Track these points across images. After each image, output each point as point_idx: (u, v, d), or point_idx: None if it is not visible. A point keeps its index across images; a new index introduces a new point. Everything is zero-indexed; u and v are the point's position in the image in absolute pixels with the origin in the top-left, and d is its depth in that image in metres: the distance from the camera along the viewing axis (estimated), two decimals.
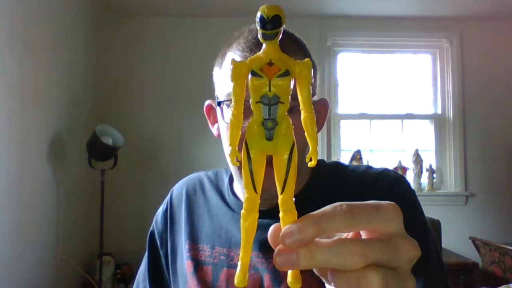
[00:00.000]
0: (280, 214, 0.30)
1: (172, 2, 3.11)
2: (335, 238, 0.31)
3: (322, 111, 0.74)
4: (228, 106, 0.68)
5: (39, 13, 2.31)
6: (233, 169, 0.73)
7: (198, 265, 0.76)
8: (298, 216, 0.30)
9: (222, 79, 0.70)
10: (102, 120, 2.87)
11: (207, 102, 0.78)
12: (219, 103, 0.69)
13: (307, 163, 0.30)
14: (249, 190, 0.30)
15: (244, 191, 0.30)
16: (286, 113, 0.30)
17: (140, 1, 3.11)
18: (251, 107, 0.30)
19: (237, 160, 0.30)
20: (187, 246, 0.78)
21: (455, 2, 3.13)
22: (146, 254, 0.87)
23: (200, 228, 0.79)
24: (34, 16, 2.25)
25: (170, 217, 0.84)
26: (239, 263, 0.30)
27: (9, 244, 1.98)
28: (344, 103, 3.46)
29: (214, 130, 0.77)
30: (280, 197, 0.30)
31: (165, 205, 0.87)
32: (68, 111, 2.69)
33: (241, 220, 0.30)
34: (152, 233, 0.86)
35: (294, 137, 0.30)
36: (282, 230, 0.28)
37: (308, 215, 0.29)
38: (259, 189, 0.30)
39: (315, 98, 0.72)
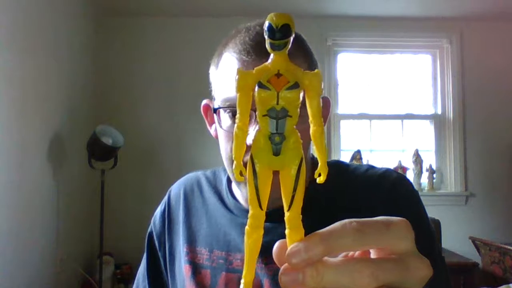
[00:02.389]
0: (286, 231, 0.28)
1: (172, 2, 3.11)
2: (342, 256, 0.30)
3: (324, 110, 0.73)
4: (225, 111, 0.66)
5: (39, 14, 2.31)
6: (233, 179, 0.71)
7: (196, 268, 0.74)
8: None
9: (219, 82, 0.68)
10: (102, 120, 2.87)
11: (204, 102, 0.76)
12: (215, 110, 0.67)
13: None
14: (254, 206, 0.28)
15: (249, 207, 0.29)
16: (295, 127, 0.28)
17: (140, 1, 3.11)
18: (258, 120, 0.28)
19: (242, 175, 0.29)
20: (185, 250, 0.76)
21: (455, 2, 3.13)
22: (145, 255, 0.86)
23: (198, 230, 0.77)
24: (34, 17, 2.25)
25: (168, 219, 0.83)
26: (242, 281, 0.29)
27: (9, 244, 1.98)
28: (344, 103, 3.46)
29: (211, 130, 0.76)
30: (286, 214, 0.28)
31: (163, 206, 0.85)
32: (68, 111, 2.69)
33: (245, 237, 0.29)
34: (151, 234, 0.85)
35: (302, 152, 0.28)
36: (288, 249, 0.27)
37: (316, 233, 0.27)
38: (264, 205, 0.28)
39: None
